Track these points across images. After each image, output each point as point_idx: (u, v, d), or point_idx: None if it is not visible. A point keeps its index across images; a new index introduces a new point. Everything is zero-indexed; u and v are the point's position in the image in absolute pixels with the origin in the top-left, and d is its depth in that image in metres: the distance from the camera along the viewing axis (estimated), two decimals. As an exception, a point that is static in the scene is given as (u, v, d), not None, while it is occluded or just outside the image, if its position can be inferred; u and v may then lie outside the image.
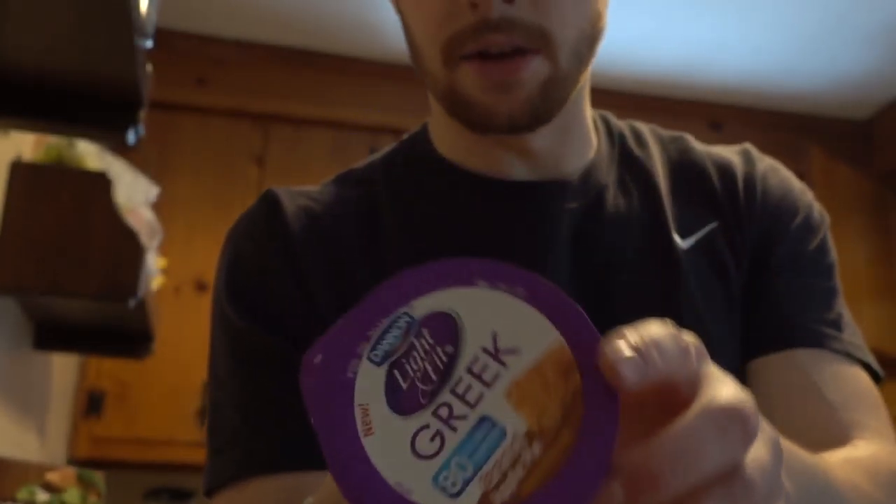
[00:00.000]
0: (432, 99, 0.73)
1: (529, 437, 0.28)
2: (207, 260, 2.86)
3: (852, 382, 0.69)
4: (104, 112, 1.37)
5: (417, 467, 0.28)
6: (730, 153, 0.77)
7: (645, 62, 3.12)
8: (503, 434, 0.28)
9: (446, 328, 0.29)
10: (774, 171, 0.77)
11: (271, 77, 3.08)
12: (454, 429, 0.28)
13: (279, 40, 3.08)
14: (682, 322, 0.46)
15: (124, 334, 2.18)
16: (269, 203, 0.70)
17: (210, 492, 0.70)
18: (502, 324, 0.29)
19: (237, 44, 3.07)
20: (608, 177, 0.73)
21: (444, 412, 0.29)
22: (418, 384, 0.29)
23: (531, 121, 0.63)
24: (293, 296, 0.66)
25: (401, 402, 0.29)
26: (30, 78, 1.31)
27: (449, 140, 0.76)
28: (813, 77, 3.19)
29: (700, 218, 0.72)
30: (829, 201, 3.60)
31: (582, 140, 0.73)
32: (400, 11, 0.71)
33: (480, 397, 0.29)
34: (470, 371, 0.29)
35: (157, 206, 2.02)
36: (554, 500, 0.27)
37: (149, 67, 1.31)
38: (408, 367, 0.29)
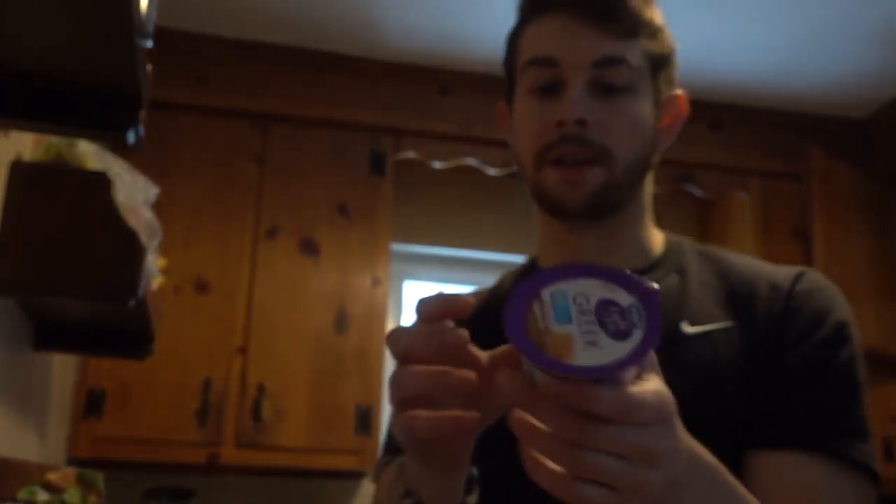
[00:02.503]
0: (535, 213, 0.98)
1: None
2: (207, 260, 2.86)
3: (843, 488, 0.81)
4: (104, 112, 1.36)
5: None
6: (787, 272, 0.92)
7: (645, 62, 3.12)
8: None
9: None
10: (820, 290, 0.90)
11: (271, 77, 3.08)
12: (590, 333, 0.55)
13: (279, 40, 3.07)
14: (676, 395, 0.59)
15: (124, 334, 2.18)
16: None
17: (380, 463, 0.96)
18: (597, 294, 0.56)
19: (237, 43, 3.07)
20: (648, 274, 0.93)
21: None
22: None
23: (592, 211, 0.89)
24: None
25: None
26: (29, 78, 1.31)
27: (539, 244, 1.02)
28: (813, 77, 3.19)
29: (718, 316, 0.89)
30: (829, 201, 3.60)
31: (632, 249, 0.95)
32: (513, 135, 0.97)
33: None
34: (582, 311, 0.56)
35: (157, 206, 2.02)
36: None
37: (148, 67, 1.31)
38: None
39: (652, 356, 0.58)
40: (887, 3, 2.75)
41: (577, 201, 0.88)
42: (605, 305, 0.55)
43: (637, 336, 0.54)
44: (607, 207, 0.89)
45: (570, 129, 0.86)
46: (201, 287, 2.84)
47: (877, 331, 3.12)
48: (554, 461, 0.55)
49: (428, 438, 0.61)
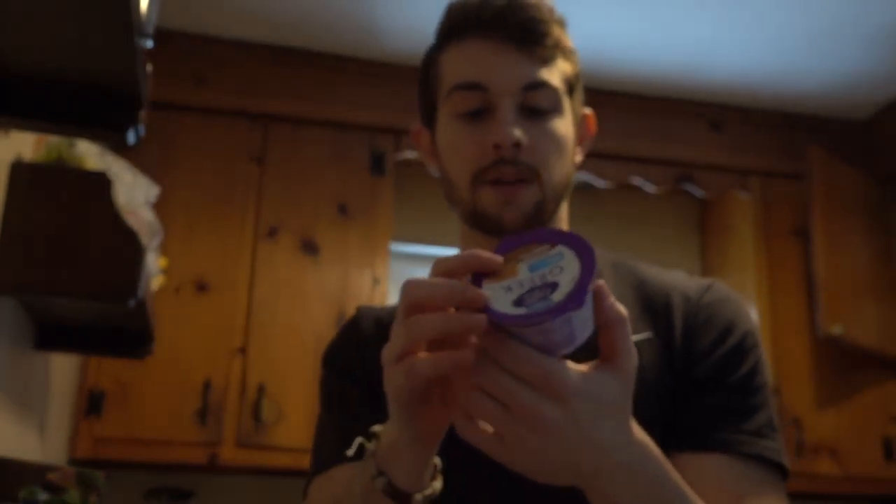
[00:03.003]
0: (459, 221, 1.01)
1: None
2: (207, 260, 2.86)
3: (757, 482, 0.88)
4: (104, 112, 1.36)
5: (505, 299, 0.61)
6: (695, 284, 0.99)
7: (645, 62, 3.12)
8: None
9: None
10: (725, 302, 0.97)
11: (271, 77, 3.08)
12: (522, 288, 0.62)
13: (279, 40, 3.08)
14: None
15: (124, 334, 2.18)
16: (354, 316, 1.08)
17: (311, 478, 0.98)
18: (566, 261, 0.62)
19: (237, 44, 3.07)
20: None
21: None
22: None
23: (526, 228, 0.92)
24: (358, 367, 1.02)
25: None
26: (30, 78, 1.31)
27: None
28: (813, 77, 3.19)
29: (637, 327, 0.93)
30: (829, 201, 3.60)
31: None
32: (438, 159, 1.00)
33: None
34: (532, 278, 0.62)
35: (157, 206, 2.02)
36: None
37: (149, 67, 1.31)
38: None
39: (633, 368, 0.64)
40: (887, 4, 2.75)
41: (515, 219, 0.92)
42: (548, 267, 0.61)
43: (561, 299, 0.59)
44: (538, 224, 0.94)
45: (506, 153, 0.90)
46: (201, 287, 2.84)
47: (877, 331, 3.12)
48: (461, 402, 0.63)
49: (429, 379, 0.63)
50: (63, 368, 2.50)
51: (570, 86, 0.97)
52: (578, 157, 1.01)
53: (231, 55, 3.07)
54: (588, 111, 1.03)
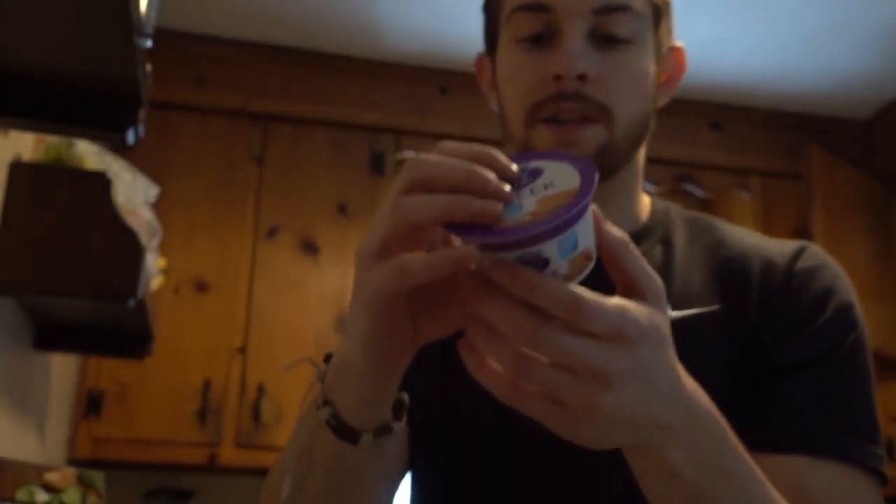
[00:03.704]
0: None
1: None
2: (207, 260, 2.86)
3: (851, 494, 0.72)
4: (103, 112, 1.36)
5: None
6: (782, 248, 0.83)
7: (645, 62, 3.12)
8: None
9: (536, 173, 0.53)
10: (822, 269, 0.81)
11: (271, 77, 3.08)
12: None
13: (279, 40, 3.07)
14: None
15: (124, 334, 2.18)
16: None
17: None
18: (557, 176, 0.52)
19: (236, 43, 3.07)
20: None
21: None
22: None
23: None
24: None
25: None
26: (29, 78, 1.31)
27: None
28: (813, 77, 3.19)
29: (704, 297, 0.80)
30: (830, 201, 3.60)
31: (619, 217, 0.83)
32: (496, 90, 0.87)
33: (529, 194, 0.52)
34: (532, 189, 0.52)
35: (157, 206, 2.02)
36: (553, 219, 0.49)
37: (148, 67, 1.31)
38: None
39: (660, 289, 0.53)
40: (888, 4, 2.75)
41: None
42: (540, 178, 0.53)
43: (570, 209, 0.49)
44: (604, 172, 0.76)
45: (568, 85, 0.76)
46: (201, 287, 2.84)
47: (877, 331, 3.12)
48: (501, 364, 0.51)
49: (423, 281, 0.52)
50: (62, 369, 2.50)
51: (657, 11, 0.82)
52: (661, 100, 0.86)
53: (231, 55, 3.06)
54: (679, 44, 0.87)
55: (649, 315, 0.51)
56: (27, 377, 2.10)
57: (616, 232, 0.53)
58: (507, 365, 0.50)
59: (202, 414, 2.73)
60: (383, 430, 0.63)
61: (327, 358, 0.67)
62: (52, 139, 1.77)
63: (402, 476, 0.85)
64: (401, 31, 2.98)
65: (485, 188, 0.51)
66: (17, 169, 1.70)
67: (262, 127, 3.03)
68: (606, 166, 0.78)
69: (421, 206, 0.51)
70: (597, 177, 0.51)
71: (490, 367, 0.51)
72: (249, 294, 2.86)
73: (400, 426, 0.64)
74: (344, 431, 0.62)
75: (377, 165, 3.07)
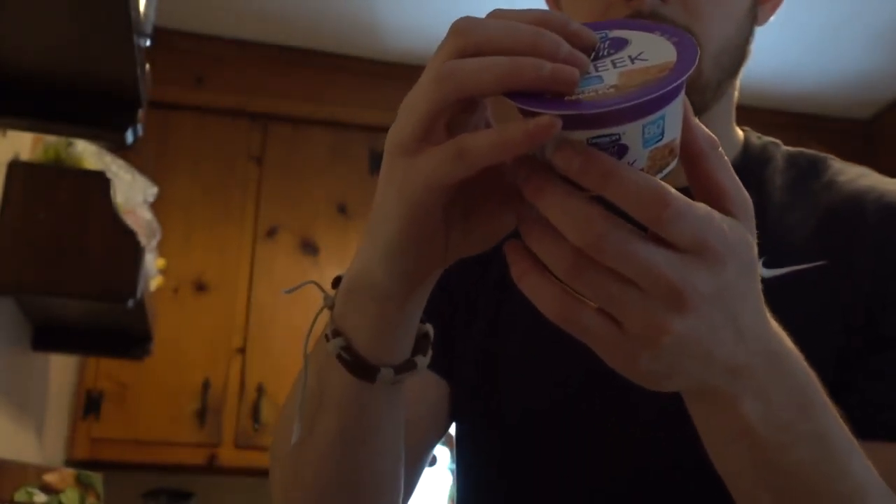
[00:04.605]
0: None
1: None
2: (206, 260, 2.86)
3: None
4: (102, 111, 1.36)
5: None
6: None
7: (645, 62, 3.12)
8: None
9: (621, 43, 0.44)
10: None
11: (270, 76, 3.07)
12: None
13: (278, 39, 3.07)
14: None
15: (123, 335, 2.18)
16: None
17: None
18: (647, 48, 0.43)
19: (236, 43, 3.07)
20: None
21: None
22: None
23: None
24: (454, 279, 0.72)
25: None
26: (28, 77, 1.31)
27: None
28: (814, 77, 3.18)
29: (806, 252, 0.66)
30: (830, 201, 3.59)
31: None
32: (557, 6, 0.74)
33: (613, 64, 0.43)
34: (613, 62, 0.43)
35: (156, 206, 2.02)
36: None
37: (147, 67, 1.30)
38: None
39: (750, 206, 0.44)
40: (890, 3, 2.75)
41: None
42: (625, 49, 0.43)
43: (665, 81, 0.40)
44: None
45: (644, 4, 0.65)
46: (200, 287, 2.84)
47: None
48: (555, 270, 0.41)
49: (490, 163, 0.41)
50: (61, 369, 2.50)
51: None
52: (762, 18, 0.73)
53: (230, 55, 3.06)
54: None
55: (740, 232, 0.42)
56: (26, 378, 2.09)
57: (706, 131, 0.44)
58: (561, 270, 0.41)
59: (201, 414, 2.72)
60: (406, 366, 0.53)
61: (336, 282, 0.58)
62: (51, 139, 1.77)
63: (433, 443, 0.75)
64: (401, 31, 2.97)
65: (556, 53, 0.40)
66: (16, 169, 1.69)
67: (261, 127, 3.03)
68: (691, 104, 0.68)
69: (477, 70, 0.41)
70: (698, 53, 0.42)
71: (538, 273, 0.42)
72: (249, 294, 2.86)
73: (425, 362, 0.54)
74: (359, 366, 0.52)
75: (377, 165, 3.05)
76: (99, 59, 1.23)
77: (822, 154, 0.77)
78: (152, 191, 1.93)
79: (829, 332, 0.63)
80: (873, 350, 0.62)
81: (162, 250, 2.31)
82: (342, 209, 3.01)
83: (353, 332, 0.52)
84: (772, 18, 0.76)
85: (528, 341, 0.72)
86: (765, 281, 0.60)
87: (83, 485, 1.86)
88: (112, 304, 1.72)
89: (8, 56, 1.24)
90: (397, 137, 0.45)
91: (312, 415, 0.56)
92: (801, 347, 0.48)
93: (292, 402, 0.60)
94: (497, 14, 0.43)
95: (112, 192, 1.71)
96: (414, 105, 0.44)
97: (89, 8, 1.09)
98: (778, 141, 0.80)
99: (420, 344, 0.55)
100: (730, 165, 0.44)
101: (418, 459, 0.73)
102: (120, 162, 1.84)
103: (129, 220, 1.74)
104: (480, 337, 0.74)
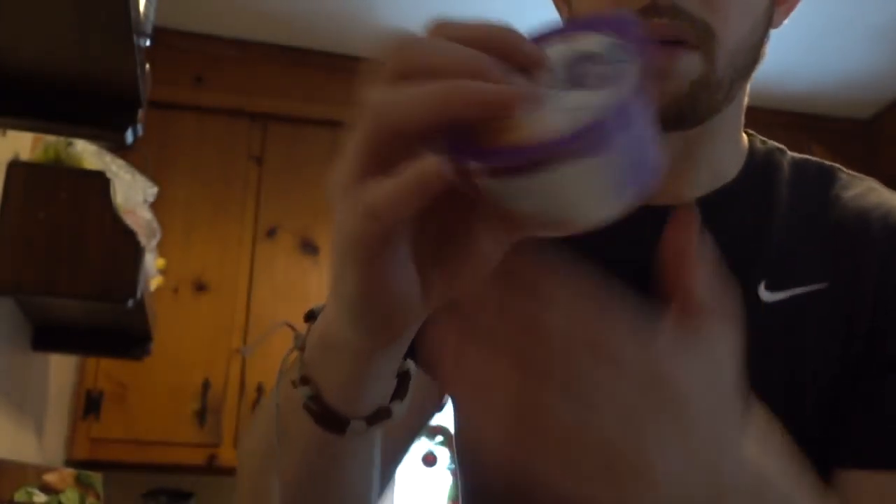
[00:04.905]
0: None
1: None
2: (206, 260, 2.86)
3: None
4: (102, 111, 1.36)
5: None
6: None
7: (645, 62, 3.12)
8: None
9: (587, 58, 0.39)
10: None
11: (270, 76, 3.07)
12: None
13: (278, 39, 3.07)
14: (758, 385, 0.41)
15: (122, 335, 2.18)
16: None
17: None
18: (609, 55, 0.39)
19: (235, 42, 3.06)
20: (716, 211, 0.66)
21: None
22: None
23: (677, 115, 0.61)
24: None
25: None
26: (28, 77, 1.30)
27: None
28: (814, 76, 3.18)
29: (808, 273, 0.63)
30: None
31: (706, 169, 0.68)
32: (567, 4, 0.69)
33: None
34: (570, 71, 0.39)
35: (156, 206, 2.01)
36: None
37: (147, 66, 1.30)
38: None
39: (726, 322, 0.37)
40: (891, 3, 2.75)
41: (664, 99, 0.59)
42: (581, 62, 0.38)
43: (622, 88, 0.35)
44: (699, 111, 0.62)
45: None
46: (200, 287, 2.84)
47: None
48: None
49: (401, 217, 0.36)
50: (61, 369, 2.49)
51: None
52: (778, 20, 0.71)
53: (230, 54, 3.06)
54: None
55: (709, 348, 0.37)
56: (25, 378, 2.09)
57: (693, 242, 0.36)
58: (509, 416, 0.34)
59: (201, 414, 2.72)
60: (379, 416, 0.47)
61: (310, 316, 0.52)
62: (51, 139, 1.77)
63: (412, 439, 0.70)
64: (400, 31, 2.97)
65: (495, 79, 0.36)
66: (16, 168, 1.69)
67: (261, 126, 3.03)
68: (700, 107, 0.62)
69: (407, 106, 0.37)
70: (650, 59, 0.36)
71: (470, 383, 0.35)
72: (249, 294, 2.86)
73: (402, 410, 0.49)
74: (327, 419, 0.47)
75: (377, 165, 3.06)
76: (99, 59, 1.23)
77: (829, 164, 0.74)
78: (152, 191, 1.93)
79: (829, 357, 0.60)
80: (874, 376, 0.60)
81: (162, 250, 2.31)
82: (342, 209, 3.01)
83: (323, 381, 0.47)
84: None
85: None
86: (765, 305, 0.59)
87: (83, 485, 1.86)
88: (112, 304, 1.72)
89: (8, 56, 1.24)
90: (336, 178, 0.40)
91: (274, 452, 0.53)
92: (801, 372, 0.45)
93: (256, 440, 0.58)
94: (438, 28, 0.40)
95: (112, 191, 1.71)
96: (351, 141, 0.39)
97: (89, 8, 1.09)
98: (783, 147, 0.77)
99: (399, 386, 0.50)
100: (708, 279, 0.37)
101: (398, 453, 0.70)
102: (120, 162, 1.84)
103: (129, 220, 1.73)
104: None
